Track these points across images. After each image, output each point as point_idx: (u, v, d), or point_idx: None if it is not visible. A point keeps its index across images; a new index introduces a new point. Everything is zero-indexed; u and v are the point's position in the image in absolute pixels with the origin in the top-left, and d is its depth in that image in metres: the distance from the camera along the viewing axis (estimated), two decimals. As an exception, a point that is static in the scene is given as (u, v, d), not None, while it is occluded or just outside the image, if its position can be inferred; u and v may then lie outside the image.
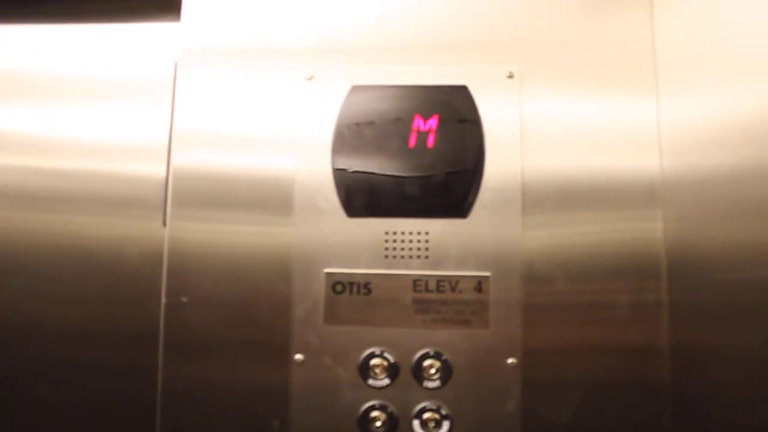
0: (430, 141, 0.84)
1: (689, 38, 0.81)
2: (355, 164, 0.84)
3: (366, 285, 0.82)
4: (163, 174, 0.89)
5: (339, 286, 0.82)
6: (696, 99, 0.79)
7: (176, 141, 0.86)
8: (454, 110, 0.84)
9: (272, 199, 0.84)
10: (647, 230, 0.82)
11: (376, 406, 0.80)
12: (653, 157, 0.83)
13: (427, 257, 0.82)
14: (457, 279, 0.82)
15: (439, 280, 0.82)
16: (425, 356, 0.81)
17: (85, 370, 0.89)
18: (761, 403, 0.70)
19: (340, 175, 0.84)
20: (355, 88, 0.86)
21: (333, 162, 0.84)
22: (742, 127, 0.72)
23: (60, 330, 0.90)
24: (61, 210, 0.91)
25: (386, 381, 0.81)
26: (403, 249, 0.83)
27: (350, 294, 0.82)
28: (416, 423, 0.80)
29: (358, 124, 0.85)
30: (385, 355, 0.81)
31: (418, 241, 0.83)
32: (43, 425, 0.90)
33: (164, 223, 0.85)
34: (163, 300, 0.83)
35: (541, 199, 0.83)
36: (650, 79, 0.85)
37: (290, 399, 0.81)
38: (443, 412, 0.80)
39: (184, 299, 0.83)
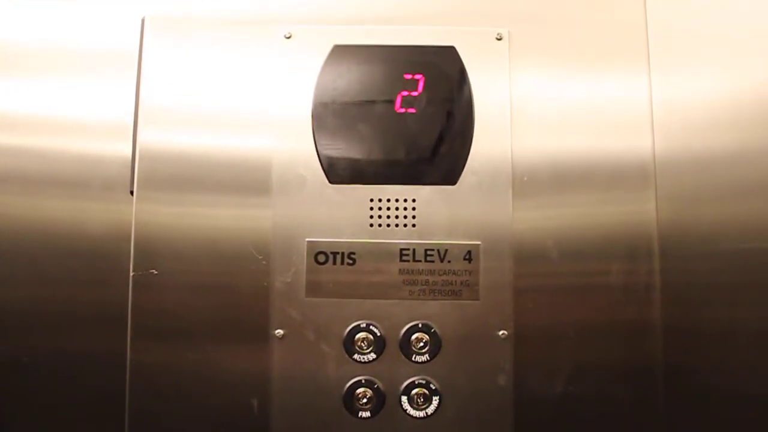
0: (417, 103, 0.80)
1: (680, 13, 0.80)
2: (337, 128, 0.79)
3: (350, 255, 0.78)
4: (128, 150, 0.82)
5: (321, 256, 0.77)
6: (688, 77, 0.78)
7: (143, 110, 0.80)
8: (442, 71, 0.80)
9: (250, 168, 0.79)
10: (640, 208, 0.80)
11: (362, 382, 0.76)
12: (645, 136, 0.81)
13: (414, 226, 0.78)
14: (446, 248, 0.78)
15: (427, 250, 0.78)
16: (413, 329, 0.77)
17: (48, 356, 0.82)
18: (754, 376, 0.71)
19: (321, 140, 0.79)
20: (338, 48, 0.81)
21: (314, 126, 0.79)
22: (736, 106, 0.72)
23: (17, 314, 0.82)
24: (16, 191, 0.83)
25: (372, 356, 0.76)
26: (389, 217, 0.78)
27: (333, 264, 0.77)
28: (404, 399, 0.76)
29: (340, 86, 0.80)
30: (371, 328, 0.77)
31: (405, 209, 0.79)
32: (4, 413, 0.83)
33: (131, 192, 0.79)
34: (131, 273, 0.78)
35: (532, 166, 0.80)
36: (641, 53, 0.82)
37: (270, 377, 0.77)
38: (432, 387, 0.76)
39: (154, 271, 0.77)
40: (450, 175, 0.78)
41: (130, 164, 0.80)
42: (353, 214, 0.78)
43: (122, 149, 0.82)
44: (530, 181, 0.79)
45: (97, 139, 0.83)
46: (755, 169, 0.74)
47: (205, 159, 0.80)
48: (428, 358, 0.77)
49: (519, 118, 0.80)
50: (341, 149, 0.79)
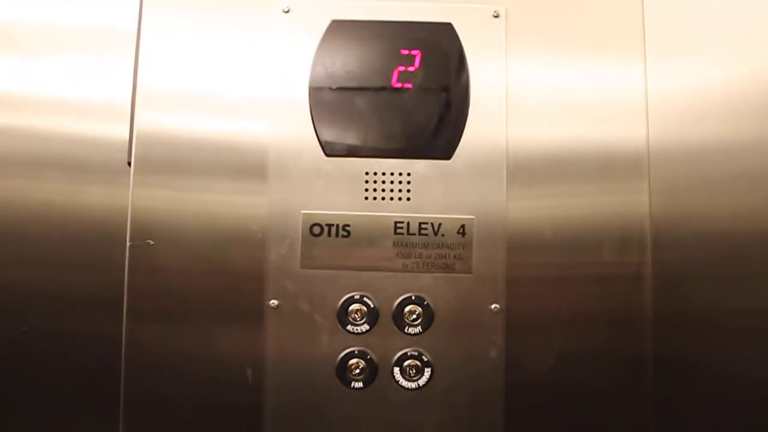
0: (414, 78, 0.80)
1: (677, 3, 0.80)
2: (334, 102, 0.80)
3: (345, 227, 0.78)
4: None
5: (317, 227, 0.78)
6: (684, 67, 0.79)
7: (141, 87, 0.80)
8: (439, 47, 0.81)
9: (248, 140, 0.80)
10: (633, 198, 0.80)
11: (355, 353, 0.77)
12: (639, 126, 0.81)
13: (408, 199, 0.79)
14: (440, 222, 0.78)
15: (421, 223, 0.78)
16: (406, 301, 0.77)
17: (46, 336, 0.82)
18: (740, 364, 0.71)
19: (318, 112, 0.80)
20: (335, 23, 0.81)
21: (311, 99, 0.80)
22: (732, 96, 0.72)
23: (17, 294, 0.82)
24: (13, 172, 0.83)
25: (366, 327, 0.77)
26: (383, 190, 0.79)
27: (328, 236, 0.78)
28: (396, 370, 0.77)
29: (337, 61, 0.81)
30: (365, 300, 0.77)
31: (400, 183, 0.79)
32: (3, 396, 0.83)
33: (129, 163, 0.80)
34: (128, 243, 0.78)
35: (527, 142, 0.80)
36: (637, 41, 0.82)
37: (265, 347, 0.77)
38: (424, 358, 0.77)
39: (150, 241, 0.78)
40: (445, 150, 0.79)
41: (129, 145, 0.81)
42: (349, 187, 0.79)
43: (122, 130, 0.82)
44: (524, 157, 0.80)
45: (97, 120, 0.83)
46: (749, 160, 0.75)
47: (201, 133, 0.80)
48: (421, 330, 0.77)
49: (514, 95, 0.81)
50: (337, 123, 0.79)
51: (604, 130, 0.81)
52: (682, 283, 0.78)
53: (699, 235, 0.77)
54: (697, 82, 0.78)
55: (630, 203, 0.79)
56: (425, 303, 0.77)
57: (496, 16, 0.82)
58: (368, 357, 0.77)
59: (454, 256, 0.78)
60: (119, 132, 0.82)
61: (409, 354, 0.77)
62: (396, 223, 0.78)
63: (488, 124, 0.80)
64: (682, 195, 0.78)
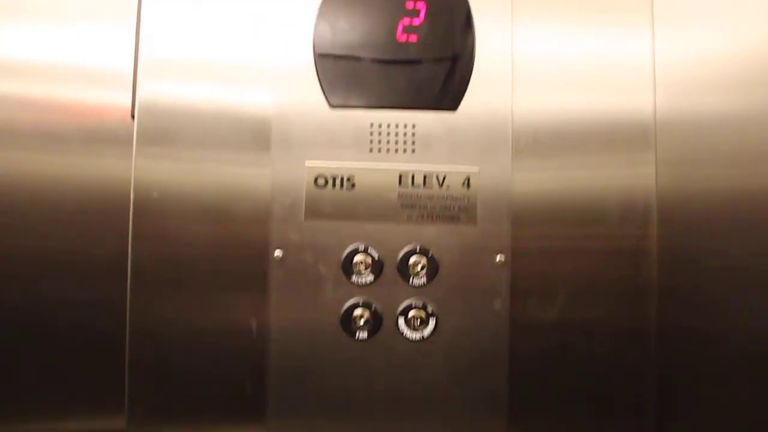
0: (419, 31, 0.80)
1: None
2: (339, 54, 0.80)
3: (349, 179, 0.78)
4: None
5: (321, 179, 0.78)
6: (692, 35, 0.78)
7: (143, 52, 0.80)
8: (444, 1, 0.80)
9: (251, 91, 0.80)
10: (639, 169, 0.79)
11: (360, 304, 0.77)
12: (646, 94, 0.80)
13: (413, 151, 0.79)
14: (445, 174, 0.78)
15: (426, 175, 0.78)
16: (411, 252, 0.77)
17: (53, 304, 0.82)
18: (742, 337, 0.73)
19: (322, 64, 0.79)
20: (340, -22, 0.81)
21: (315, 52, 0.80)
22: (743, 65, 0.71)
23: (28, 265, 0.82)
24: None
25: (370, 278, 0.77)
26: (388, 142, 0.79)
27: (333, 188, 0.78)
28: (401, 321, 0.77)
29: (341, 14, 0.80)
30: (369, 251, 0.77)
31: (404, 134, 0.79)
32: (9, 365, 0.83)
33: (132, 116, 0.80)
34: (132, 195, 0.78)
35: (530, 99, 0.80)
36: (645, 6, 0.81)
37: (269, 298, 0.77)
38: (429, 309, 0.77)
39: (155, 194, 0.78)
40: (451, 101, 0.79)
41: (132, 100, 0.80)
42: (353, 138, 0.79)
43: (127, 100, 0.81)
44: (528, 116, 0.79)
45: (101, 89, 0.82)
46: (759, 132, 0.74)
47: (204, 92, 0.80)
48: (425, 281, 0.77)
49: (520, 47, 0.80)
50: (341, 75, 0.79)
51: (609, 98, 0.80)
52: (688, 256, 0.77)
53: (705, 208, 0.77)
54: (706, 50, 0.77)
55: (636, 175, 0.79)
56: (430, 254, 0.77)
57: None
58: (373, 308, 0.77)
59: (459, 208, 0.78)
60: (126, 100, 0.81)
61: (413, 305, 0.77)
62: (400, 175, 0.78)
63: (493, 76, 0.79)
64: (688, 167, 0.78)
